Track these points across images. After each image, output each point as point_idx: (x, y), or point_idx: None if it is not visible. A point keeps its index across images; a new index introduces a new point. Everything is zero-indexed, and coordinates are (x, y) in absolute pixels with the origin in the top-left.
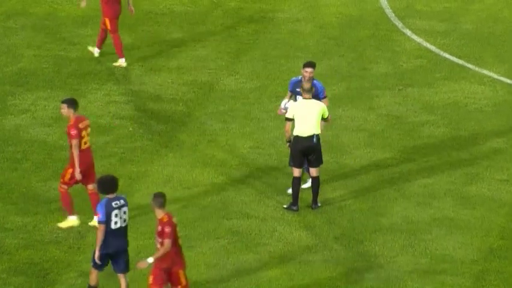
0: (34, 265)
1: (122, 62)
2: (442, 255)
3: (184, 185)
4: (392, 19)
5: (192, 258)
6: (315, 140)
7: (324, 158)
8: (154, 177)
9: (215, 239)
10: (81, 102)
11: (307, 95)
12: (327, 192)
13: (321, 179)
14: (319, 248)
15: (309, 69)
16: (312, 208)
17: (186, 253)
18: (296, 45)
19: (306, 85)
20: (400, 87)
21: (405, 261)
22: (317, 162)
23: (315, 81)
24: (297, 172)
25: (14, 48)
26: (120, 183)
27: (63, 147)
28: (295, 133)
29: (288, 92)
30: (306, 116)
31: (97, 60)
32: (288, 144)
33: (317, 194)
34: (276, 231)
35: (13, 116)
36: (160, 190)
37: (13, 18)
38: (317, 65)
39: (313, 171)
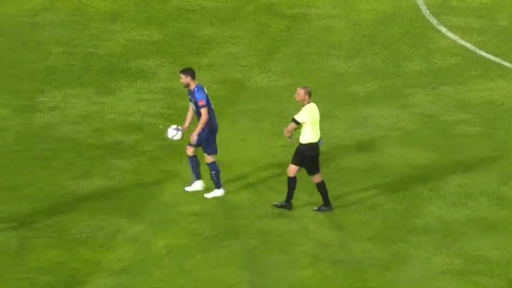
0: (62, 264)
1: None
2: (477, 256)
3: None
4: (427, 16)
5: (223, 258)
6: (321, 142)
7: (357, 157)
8: (183, 175)
9: (246, 239)
10: (111, 100)
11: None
12: (359, 191)
13: (349, 178)
14: (352, 248)
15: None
16: (322, 210)
17: (218, 252)
18: (329, 42)
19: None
20: (434, 86)
21: (439, 261)
22: (319, 165)
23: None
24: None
25: (42, 44)
26: (150, 181)
27: (92, 145)
28: (309, 140)
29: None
30: (318, 121)
31: (126, 56)
32: (289, 138)
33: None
34: (308, 230)
35: (42, 113)
36: (197, 194)
37: (41, 14)
38: (350, 63)
39: (320, 176)
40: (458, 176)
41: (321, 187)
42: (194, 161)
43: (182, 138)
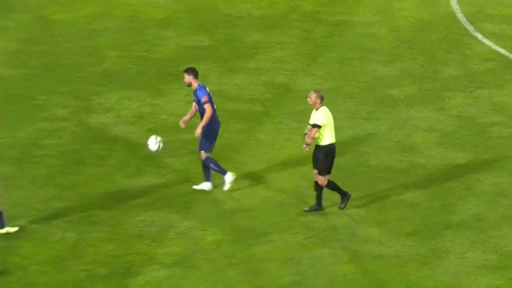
0: (118, 257)
1: None
2: (511, 252)
3: (262, 182)
4: (463, 23)
5: (269, 252)
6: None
7: (397, 157)
8: (233, 173)
9: (291, 234)
10: (163, 102)
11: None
12: (399, 190)
13: (390, 177)
14: (392, 243)
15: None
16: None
17: (264, 246)
18: (370, 48)
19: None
20: (471, 89)
21: (475, 257)
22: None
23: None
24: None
25: (99, 49)
26: (199, 178)
27: (145, 145)
28: (330, 141)
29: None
30: (333, 123)
31: (178, 61)
32: (306, 146)
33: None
34: (350, 227)
35: (98, 114)
36: (238, 186)
37: (97, 21)
38: (390, 67)
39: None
40: (492, 176)
41: (318, 186)
42: (211, 161)
43: (160, 150)
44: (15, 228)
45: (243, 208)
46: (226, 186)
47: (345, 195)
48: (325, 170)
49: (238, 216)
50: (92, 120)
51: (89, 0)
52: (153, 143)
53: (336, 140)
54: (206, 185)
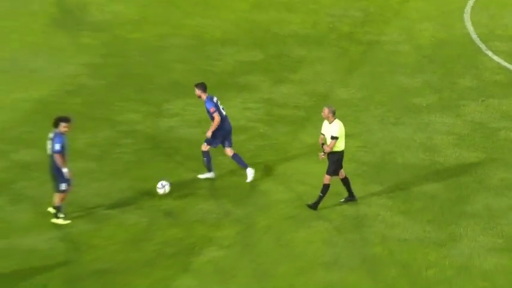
0: (182, 240)
1: None
2: None
3: (304, 177)
4: (477, 42)
5: (311, 236)
6: None
7: (419, 156)
8: (280, 169)
9: (329, 221)
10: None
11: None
12: (421, 184)
13: (413, 172)
14: (415, 229)
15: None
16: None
17: (307, 231)
18: (397, 63)
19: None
20: (483, 99)
21: (485, 241)
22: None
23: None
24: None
25: (167, 63)
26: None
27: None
28: (341, 148)
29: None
30: (344, 133)
31: (235, 73)
32: (323, 154)
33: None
34: (379, 215)
35: (166, 118)
36: (285, 180)
37: (166, 39)
38: (414, 79)
39: (343, 173)
40: (501, 172)
41: (346, 181)
42: (207, 155)
43: (166, 191)
44: (68, 222)
45: (288, 199)
46: (208, 176)
47: (319, 201)
48: (332, 172)
49: (285, 205)
50: (161, 123)
51: (159, 21)
52: (160, 186)
53: (367, 141)
54: (207, 175)
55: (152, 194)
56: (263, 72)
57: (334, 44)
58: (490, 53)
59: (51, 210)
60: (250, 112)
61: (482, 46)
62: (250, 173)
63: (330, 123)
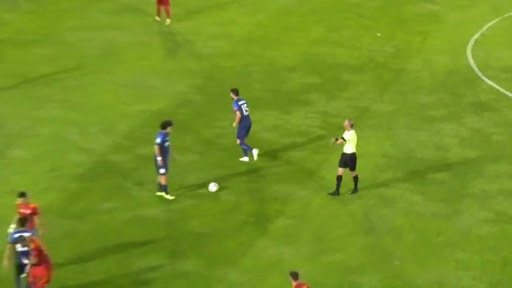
0: (261, 213)
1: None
2: (503, 212)
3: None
4: (476, 71)
5: (354, 210)
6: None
7: (433, 153)
8: (332, 161)
9: (367, 199)
10: (289, 117)
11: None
12: (434, 173)
13: (429, 164)
14: (429, 206)
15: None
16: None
17: (350, 207)
18: (418, 85)
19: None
20: (480, 112)
21: (481, 215)
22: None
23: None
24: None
25: (250, 83)
26: (311, 166)
27: (278, 143)
28: (352, 151)
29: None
30: (356, 140)
31: (299, 92)
32: (333, 142)
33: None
34: (403, 195)
35: None
36: (335, 169)
37: (250, 67)
38: (430, 97)
39: (355, 172)
40: (492, 164)
41: (356, 179)
42: (243, 145)
43: (212, 189)
44: (173, 197)
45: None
46: (255, 157)
47: (337, 190)
48: (341, 165)
49: (334, 188)
50: None
51: (245, 54)
52: (212, 185)
53: (396, 141)
54: (244, 159)
55: (239, 179)
56: (320, 91)
57: (372, 71)
58: (485, 79)
59: (158, 194)
60: (310, 121)
61: (480, 73)
62: (255, 153)
63: (347, 131)
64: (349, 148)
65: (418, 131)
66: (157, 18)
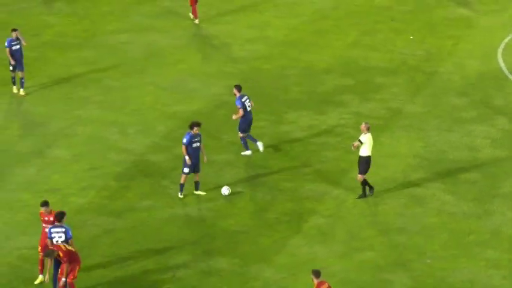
0: (294, 211)
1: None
2: None
3: (383, 166)
4: (506, 73)
5: (387, 209)
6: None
7: (465, 153)
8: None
9: (399, 199)
10: (324, 118)
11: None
12: (466, 173)
13: (460, 166)
14: (460, 205)
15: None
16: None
17: (383, 206)
18: (449, 87)
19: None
20: (510, 114)
21: (511, 215)
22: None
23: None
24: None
25: (287, 86)
26: (342, 166)
27: (313, 143)
28: (368, 154)
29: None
30: (372, 143)
31: (333, 93)
32: (354, 146)
33: (366, 187)
34: (435, 195)
35: (284, 124)
36: (370, 169)
37: (286, 69)
38: (461, 99)
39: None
40: None
41: (365, 184)
42: (243, 139)
43: (226, 193)
44: (204, 193)
45: (370, 183)
46: (261, 148)
47: (371, 188)
48: (363, 171)
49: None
50: (281, 128)
51: (282, 57)
52: (225, 189)
53: (428, 143)
54: (247, 152)
55: (273, 178)
56: (353, 93)
57: (405, 74)
58: None
59: (196, 192)
60: (344, 121)
61: (510, 76)
62: (260, 145)
63: (364, 134)
64: (365, 151)
65: (450, 132)
66: (196, 21)
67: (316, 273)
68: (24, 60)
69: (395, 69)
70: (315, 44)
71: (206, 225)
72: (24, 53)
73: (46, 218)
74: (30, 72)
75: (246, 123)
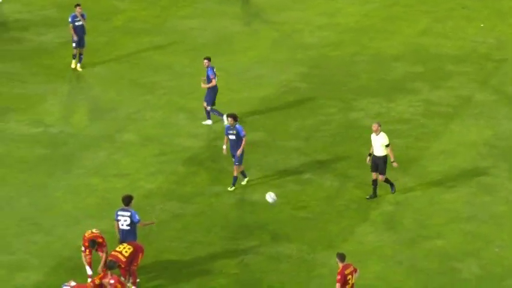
0: (362, 198)
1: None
2: None
3: (450, 155)
4: None
5: (455, 198)
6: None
7: (480, 147)
8: (433, 149)
9: (469, 187)
10: (393, 106)
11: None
12: (489, 171)
13: (488, 164)
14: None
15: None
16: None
17: (451, 195)
18: None
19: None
20: None
21: None
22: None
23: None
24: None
25: (356, 73)
26: (411, 154)
27: (386, 132)
28: (387, 152)
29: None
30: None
31: (403, 81)
32: (395, 163)
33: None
34: (504, 184)
35: (354, 112)
36: (435, 158)
37: (356, 56)
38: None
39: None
40: None
41: (376, 183)
42: (213, 110)
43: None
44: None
45: (438, 171)
46: (225, 121)
47: (392, 185)
48: (384, 171)
49: (435, 175)
50: (350, 115)
51: (351, 43)
52: (270, 197)
53: (497, 130)
54: (208, 122)
55: (342, 165)
56: (423, 80)
57: (475, 61)
58: None
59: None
60: (414, 109)
61: None
62: (225, 118)
63: (377, 135)
64: (382, 151)
65: (471, 126)
66: None
67: (341, 257)
68: (95, 45)
69: (466, 57)
70: (386, 31)
71: (274, 211)
72: (96, 38)
73: (93, 238)
74: (100, 57)
75: (214, 93)
